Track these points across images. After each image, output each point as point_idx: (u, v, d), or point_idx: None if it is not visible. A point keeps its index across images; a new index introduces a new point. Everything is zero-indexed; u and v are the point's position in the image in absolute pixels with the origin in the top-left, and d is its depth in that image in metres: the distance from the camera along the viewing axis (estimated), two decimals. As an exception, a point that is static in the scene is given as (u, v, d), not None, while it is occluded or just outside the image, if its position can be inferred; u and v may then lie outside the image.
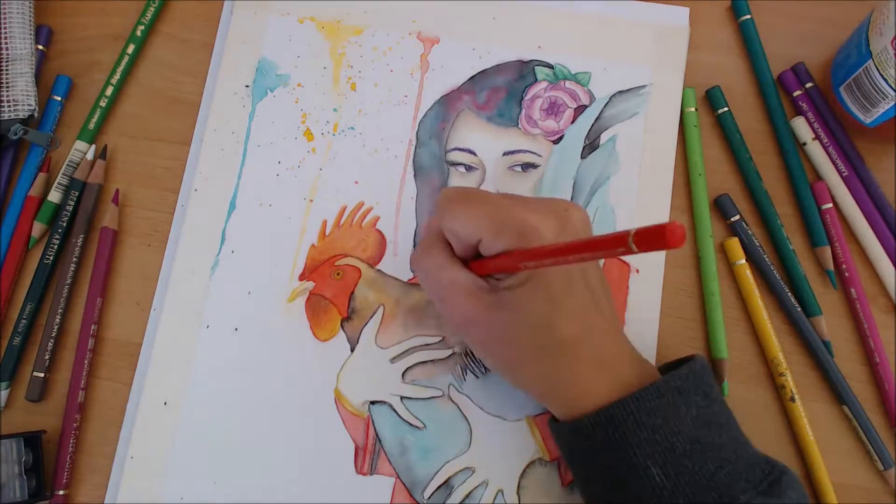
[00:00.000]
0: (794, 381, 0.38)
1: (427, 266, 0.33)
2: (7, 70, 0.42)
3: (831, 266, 0.40)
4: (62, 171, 0.42)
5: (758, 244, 0.40)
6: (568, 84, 0.42)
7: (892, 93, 0.36)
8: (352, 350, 0.39)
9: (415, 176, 0.41)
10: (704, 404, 0.30)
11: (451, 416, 0.38)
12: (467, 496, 0.37)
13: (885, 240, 0.40)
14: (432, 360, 0.39)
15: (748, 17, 0.43)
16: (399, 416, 0.38)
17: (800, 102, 0.42)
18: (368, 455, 0.38)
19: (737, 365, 0.39)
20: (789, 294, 0.39)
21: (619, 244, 0.21)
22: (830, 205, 0.40)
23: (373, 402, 0.38)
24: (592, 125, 0.41)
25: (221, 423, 0.38)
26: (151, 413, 0.38)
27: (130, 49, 0.44)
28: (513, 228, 0.30)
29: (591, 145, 0.41)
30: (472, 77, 0.42)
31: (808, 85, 0.42)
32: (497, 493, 0.37)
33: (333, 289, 0.40)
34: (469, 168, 0.41)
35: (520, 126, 0.41)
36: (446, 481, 0.37)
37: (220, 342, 0.39)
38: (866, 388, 0.39)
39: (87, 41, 0.45)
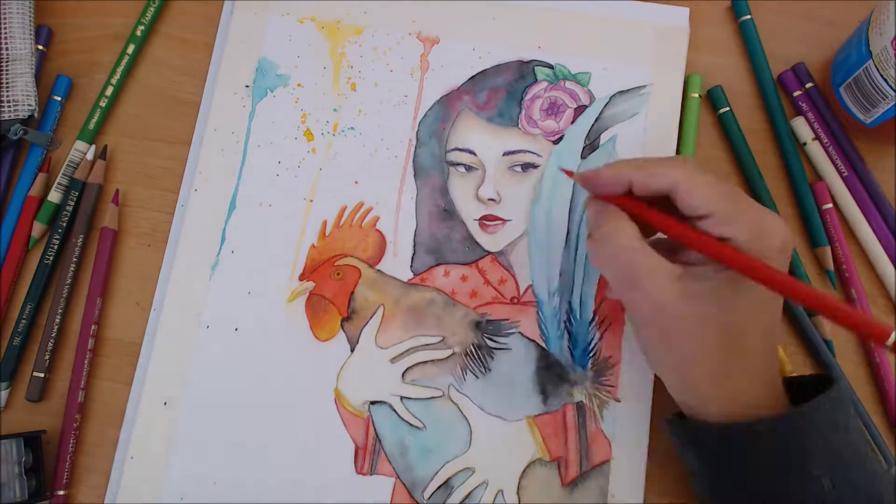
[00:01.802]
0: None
1: (618, 246, 0.31)
2: (7, 70, 0.42)
3: (831, 266, 0.40)
4: (62, 171, 0.42)
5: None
6: (568, 84, 0.42)
7: (892, 93, 0.36)
8: (352, 350, 0.39)
9: (415, 176, 0.41)
10: (856, 420, 0.31)
11: (450, 417, 0.38)
12: (467, 496, 0.37)
13: (885, 240, 0.40)
14: (432, 361, 0.39)
15: (748, 17, 0.43)
16: (399, 416, 0.38)
17: (800, 102, 0.42)
18: (368, 455, 0.38)
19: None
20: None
21: (876, 335, 0.22)
22: (830, 205, 0.40)
23: (373, 402, 0.38)
24: (592, 125, 0.41)
25: (221, 423, 0.38)
26: (151, 413, 0.38)
27: (130, 49, 0.44)
28: (748, 220, 0.29)
29: (591, 145, 0.41)
30: (472, 77, 0.42)
31: (808, 85, 0.42)
32: (497, 494, 0.37)
33: (333, 289, 0.40)
34: (469, 168, 0.41)
35: (520, 126, 0.41)
36: (446, 481, 0.37)
37: (220, 342, 0.39)
38: (866, 388, 0.39)
39: (87, 41, 0.45)
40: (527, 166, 0.41)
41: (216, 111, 0.42)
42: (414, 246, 0.40)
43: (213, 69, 0.44)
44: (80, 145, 0.43)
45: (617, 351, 0.38)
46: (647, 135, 0.41)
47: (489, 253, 0.40)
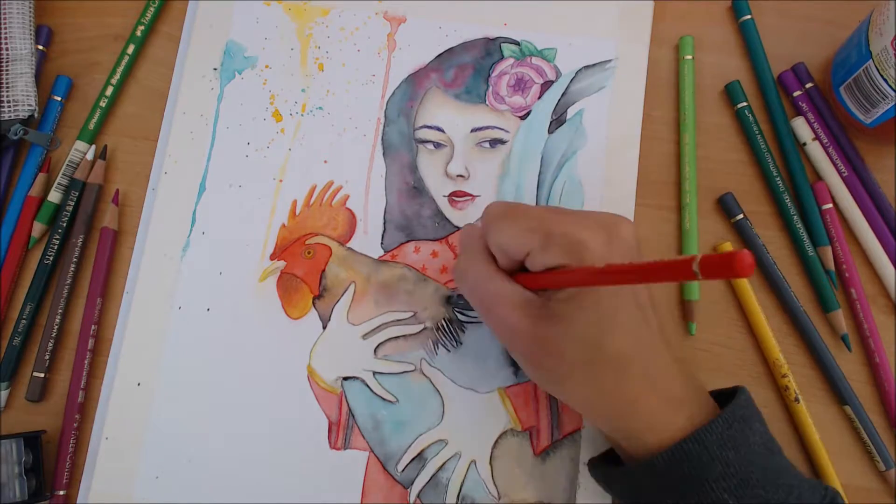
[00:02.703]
0: (796, 381, 0.38)
1: (474, 277, 0.33)
2: (7, 70, 0.42)
3: (832, 266, 0.40)
4: (62, 171, 0.42)
5: (761, 243, 0.40)
6: (534, 60, 0.42)
7: (892, 93, 0.36)
8: (324, 327, 0.39)
9: (384, 154, 0.42)
10: (762, 430, 0.30)
11: (423, 390, 0.38)
12: (440, 468, 0.37)
13: (885, 240, 0.40)
14: (404, 336, 0.39)
15: (748, 17, 0.43)
16: (372, 391, 0.39)
17: (800, 102, 0.42)
18: (342, 430, 0.38)
19: (737, 366, 0.39)
20: (792, 292, 0.39)
21: (682, 271, 0.21)
22: (831, 205, 0.40)
23: (345, 378, 0.39)
24: (559, 100, 0.42)
25: (195, 402, 0.39)
26: (125, 394, 0.39)
27: (130, 49, 0.44)
28: (560, 243, 0.30)
29: (557, 120, 0.41)
30: (438, 55, 0.43)
31: (808, 85, 0.42)
32: (470, 464, 0.37)
33: (304, 267, 0.40)
34: (437, 145, 0.42)
35: (487, 103, 0.42)
36: (419, 454, 0.38)
37: (192, 322, 0.40)
38: (866, 388, 0.39)
39: (87, 41, 0.45)
40: (495, 142, 0.41)
41: (184, 95, 0.43)
42: (384, 223, 0.41)
43: (181, 53, 0.44)
44: (80, 145, 0.43)
45: None
46: (613, 108, 0.41)
47: (459, 228, 0.41)
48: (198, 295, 0.40)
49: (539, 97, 0.42)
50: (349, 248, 0.40)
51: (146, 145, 0.43)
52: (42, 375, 0.39)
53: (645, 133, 0.42)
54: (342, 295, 0.40)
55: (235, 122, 0.42)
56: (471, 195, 0.41)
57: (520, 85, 0.42)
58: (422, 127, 0.42)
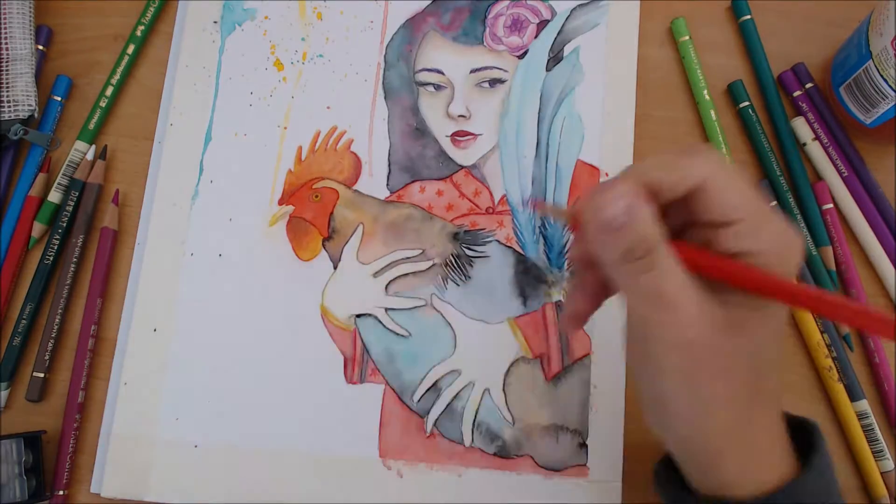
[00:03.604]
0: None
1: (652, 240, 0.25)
2: (7, 70, 0.42)
3: (833, 266, 0.40)
4: (62, 171, 0.42)
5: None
6: (529, 0, 0.43)
7: (892, 93, 0.36)
8: (335, 268, 0.40)
9: (385, 98, 0.43)
10: (835, 476, 0.28)
11: (435, 324, 0.39)
12: (455, 397, 0.38)
13: (885, 240, 0.40)
14: (413, 273, 0.40)
15: (748, 17, 0.43)
16: (385, 326, 0.39)
17: (800, 102, 0.42)
18: (357, 365, 0.39)
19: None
20: (815, 285, 0.39)
21: (883, 327, 0.21)
22: (831, 205, 0.40)
23: (358, 316, 0.40)
24: (555, 38, 0.43)
25: (212, 344, 0.39)
26: (142, 340, 0.39)
27: (130, 49, 0.44)
28: (777, 230, 0.25)
29: (555, 58, 0.42)
30: None
31: (808, 85, 0.42)
32: (484, 393, 0.38)
33: (313, 211, 0.41)
34: (438, 87, 0.42)
35: (485, 44, 0.43)
36: (434, 385, 0.39)
37: (205, 268, 0.40)
38: (866, 388, 0.39)
39: (87, 41, 0.45)
40: (494, 82, 0.42)
41: (186, 48, 0.43)
42: (389, 165, 0.42)
43: (181, 8, 0.44)
44: (80, 145, 0.43)
45: None
46: (609, 44, 0.42)
47: (463, 167, 0.42)
48: (209, 242, 0.41)
49: (535, 36, 0.43)
50: (356, 191, 0.41)
51: (146, 145, 0.43)
52: (42, 375, 0.39)
53: (645, 133, 0.42)
54: (351, 236, 0.41)
55: (238, 72, 0.43)
56: (472, 134, 0.42)
57: (516, 25, 0.43)
58: (421, 70, 0.43)
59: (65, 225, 0.41)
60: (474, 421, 0.38)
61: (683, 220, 0.26)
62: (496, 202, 0.41)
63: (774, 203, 0.41)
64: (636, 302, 0.26)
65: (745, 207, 0.25)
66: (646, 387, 0.27)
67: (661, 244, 0.24)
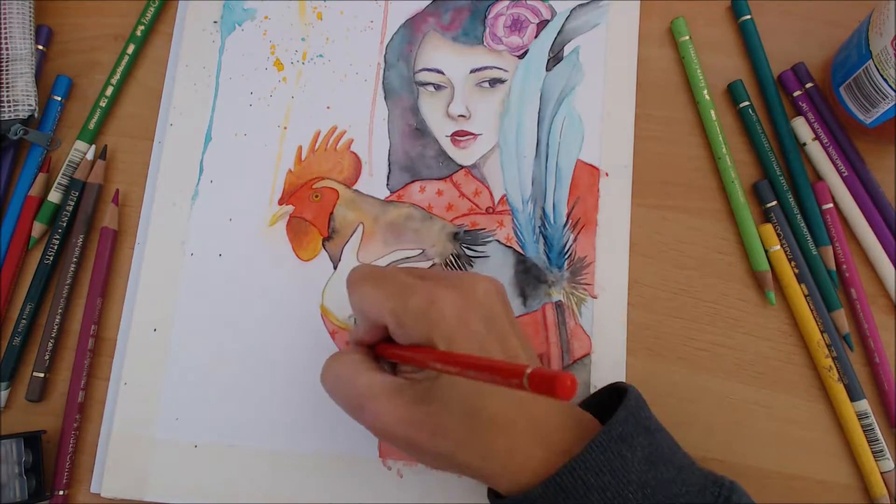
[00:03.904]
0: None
1: (338, 372, 0.32)
2: (7, 70, 0.42)
3: (833, 266, 0.40)
4: (62, 171, 0.42)
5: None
6: (529, 0, 0.43)
7: (892, 93, 0.36)
8: (335, 268, 0.40)
9: (385, 98, 0.43)
10: (647, 442, 0.29)
11: None
12: None
13: (885, 240, 0.40)
14: None
15: (748, 17, 0.43)
16: None
17: (800, 102, 0.42)
18: None
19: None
20: (815, 286, 0.39)
21: (512, 377, 0.21)
22: (831, 205, 0.40)
23: None
24: (555, 38, 0.43)
25: (212, 344, 0.39)
26: (142, 340, 0.39)
27: (130, 49, 0.44)
28: (416, 310, 0.29)
29: (555, 58, 0.42)
30: None
31: (808, 85, 0.42)
32: None
33: (313, 211, 0.41)
34: (438, 87, 0.43)
35: (485, 44, 0.43)
36: None
37: (205, 268, 0.40)
38: (866, 388, 0.39)
39: (87, 41, 0.45)
40: (494, 82, 0.42)
41: (187, 48, 0.43)
42: (389, 165, 0.42)
43: (181, 7, 0.44)
44: (80, 145, 0.43)
45: (591, 251, 0.40)
46: (609, 43, 0.42)
47: (462, 167, 0.42)
48: (209, 241, 0.41)
49: (535, 36, 0.43)
50: (356, 191, 0.41)
51: (146, 145, 0.43)
52: (42, 375, 0.39)
53: (644, 133, 0.42)
54: (351, 236, 0.41)
55: (238, 72, 0.43)
56: (472, 134, 0.42)
57: (516, 25, 0.43)
58: (421, 70, 0.43)
59: (65, 225, 0.41)
60: None
61: None
62: (496, 202, 0.41)
63: (774, 203, 0.40)
64: (348, 413, 0.32)
65: (383, 314, 0.30)
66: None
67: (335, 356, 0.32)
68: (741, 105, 0.42)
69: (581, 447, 0.28)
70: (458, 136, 0.42)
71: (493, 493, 0.32)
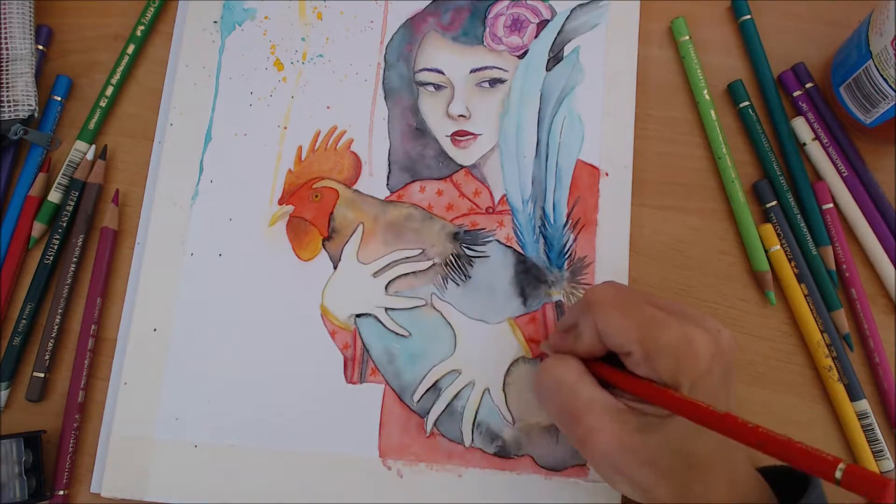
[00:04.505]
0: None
1: (562, 379, 0.32)
2: (7, 70, 0.42)
3: (832, 266, 0.40)
4: (62, 171, 0.42)
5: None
6: (529, 0, 0.43)
7: (892, 93, 0.36)
8: (335, 268, 0.40)
9: (385, 98, 0.43)
10: None
11: (435, 323, 0.39)
12: (455, 397, 0.38)
13: (885, 240, 0.40)
14: (413, 272, 0.40)
15: (748, 17, 0.43)
16: (385, 326, 0.39)
17: (800, 102, 0.42)
18: (357, 365, 0.39)
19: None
20: (815, 286, 0.39)
21: (824, 469, 0.21)
22: (831, 205, 0.40)
23: (358, 315, 0.40)
24: (555, 38, 0.43)
25: (212, 344, 0.39)
26: (142, 340, 0.39)
27: (130, 49, 0.44)
28: (668, 347, 0.29)
29: (555, 58, 0.42)
30: None
31: (808, 85, 0.42)
32: (484, 392, 0.38)
33: (313, 211, 0.41)
34: (438, 87, 0.43)
35: (485, 44, 0.43)
36: (434, 384, 0.39)
37: (205, 268, 0.40)
38: (866, 388, 0.39)
39: (87, 41, 0.45)
40: (494, 81, 0.42)
41: (187, 48, 0.43)
42: (389, 164, 0.42)
43: (181, 7, 0.44)
44: (80, 145, 0.43)
45: (591, 251, 0.40)
46: (609, 43, 0.42)
47: (462, 167, 0.42)
48: (209, 241, 0.41)
49: (536, 36, 0.43)
50: (356, 190, 0.41)
51: (146, 145, 0.43)
52: (42, 375, 0.39)
53: (644, 133, 0.42)
54: (351, 236, 0.41)
55: (238, 72, 0.43)
56: (472, 134, 0.42)
57: (516, 25, 0.43)
58: (421, 70, 0.43)
59: (65, 225, 0.41)
60: (474, 421, 0.38)
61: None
62: (496, 202, 0.41)
63: (774, 203, 0.40)
64: (558, 421, 0.32)
65: (630, 343, 0.29)
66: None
67: (556, 359, 0.32)
68: (741, 105, 0.42)
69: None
70: (458, 136, 0.42)
71: None
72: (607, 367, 0.32)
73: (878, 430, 0.38)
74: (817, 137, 0.41)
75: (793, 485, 0.30)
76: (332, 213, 0.41)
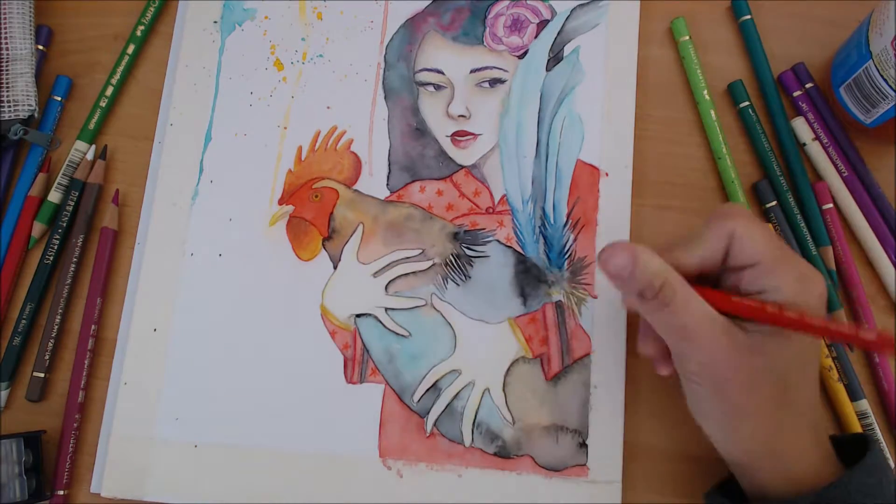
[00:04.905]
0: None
1: (676, 288, 0.30)
2: (7, 70, 0.42)
3: (832, 266, 0.40)
4: (62, 171, 0.42)
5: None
6: (529, 0, 0.43)
7: (892, 93, 0.36)
8: (335, 268, 0.40)
9: (385, 98, 0.43)
10: (892, 480, 0.31)
11: (434, 323, 0.39)
12: (455, 397, 0.38)
13: (885, 240, 0.40)
14: (413, 272, 0.40)
15: (748, 17, 0.43)
16: (385, 326, 0.39)
17: (800, 102, 0.42)
18: (357, 365, 0.39)
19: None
20: None
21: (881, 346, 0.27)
22: (831, 205, 0.40)
23: (358, 315, 0.40)
24: (555, 38, 0.43)
25: (212, 344, 0.40)
26: (142, 340, 0.39)
27: (130, 49, 0.44)
28: (796, 273, 0.30)
29: (555, 58, 0.42)
30: None
31: (808, 85, 0.42)
32: (484, 392, 0.38)
33: (313, 211, 0.41)
34: (438, 87, 0.43)
35: (485, 44, 0.43)
36: (434, 384, 0.39)
37: (205, 268, 0.40)
38: (866, 388, 0.39)
39: (87, 41, 0.45)
40: (494, 82, 0.42)
41: (187, 48, 0.43)
42: (389, 165, 0.42)
43: (181, 7, 0.44)
44: (80, 145, 0.43)
45: (591, 251, 0.40)
46: (609, 44, 0.42)
47: (463, 167, 0.42)
48: (209, 241, 0.41)
49: (536, 36, 0.43)
50: (356, 191, 0.41)
51: (146, 145, 0.43)
52: (42, 375, 0.39)
53: (644, 133, 0.42)
54: (351, 236, 0.41)
55: (238, 72, 0.43)
56: (472, 134, 0.42)
57: (516, 25, 0.43)
58: (421, 70, 0.43)
59: (65, 225, 0.41)
60: (474, 421, 0.38)
61: (717, 269, 0.32)
62: (496, 202, 0.41)
63: (774, 203, 0.41)
64: (662, 333, 0.31)
65: (763, 251, 0.30)
66: (689, 398, 0.32)
67: (671, 283, 0.29)
68: (741, 105, 0.42)
69: (833, 470, 0.30)
70: (458, 136, 0.42)
71: (718, 493, 0.34)
72: (711, 289, 0.31)
73: (878, 430, 0.38)
74: (817, 137, 0.41)
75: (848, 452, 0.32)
76: (332, 213, 0.41)
